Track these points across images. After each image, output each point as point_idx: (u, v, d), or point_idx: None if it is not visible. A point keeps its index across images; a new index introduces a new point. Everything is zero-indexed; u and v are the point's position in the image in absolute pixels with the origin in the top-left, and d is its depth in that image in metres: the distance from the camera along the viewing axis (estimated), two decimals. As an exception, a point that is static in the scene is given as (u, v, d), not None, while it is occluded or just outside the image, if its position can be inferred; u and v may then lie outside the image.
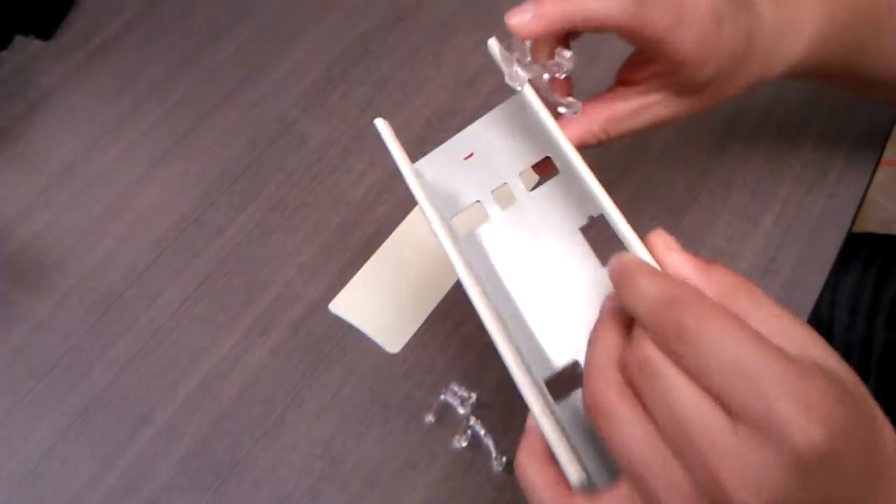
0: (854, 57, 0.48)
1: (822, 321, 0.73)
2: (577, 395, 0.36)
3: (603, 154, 0.59)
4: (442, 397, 0.51)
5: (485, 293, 0.34)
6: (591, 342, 0.32)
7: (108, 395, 0.52)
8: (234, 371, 0.53)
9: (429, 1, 0.68)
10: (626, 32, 0.38)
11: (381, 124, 0.40)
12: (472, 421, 0.49)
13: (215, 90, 0.63)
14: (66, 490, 0.50)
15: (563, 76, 0.39)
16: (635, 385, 0.30)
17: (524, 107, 0.40)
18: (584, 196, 0.36)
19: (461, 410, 0.50)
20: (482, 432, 0.49)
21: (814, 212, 0.58)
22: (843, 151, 0.59)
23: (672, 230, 0.57)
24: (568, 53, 0.39)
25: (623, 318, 0.32)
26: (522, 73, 0.39)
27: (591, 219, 0.38)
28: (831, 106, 0.60)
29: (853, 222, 0.59)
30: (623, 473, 0.30)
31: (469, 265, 0.35)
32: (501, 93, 0.63)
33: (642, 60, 0.42)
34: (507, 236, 0.39)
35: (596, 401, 0.30)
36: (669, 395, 0.28)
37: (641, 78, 0.42)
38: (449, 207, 0.40)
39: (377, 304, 0.55)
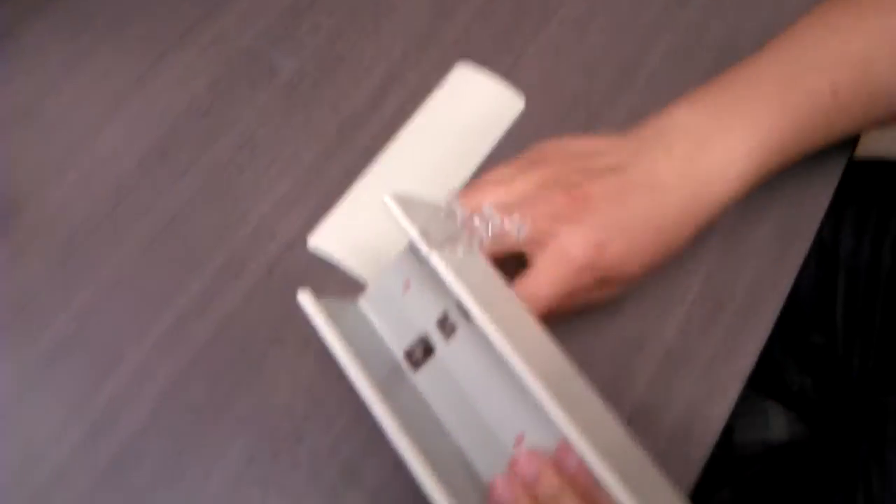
0: (805, 148, 0.47)
1: (825, 244, 0.71)
2: None
3: (591, 79, 0.57)
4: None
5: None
6: None
7: (75, 341, 0.49)
8: (208, 311, 0.50)
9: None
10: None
11: (306, 299, 0.41)
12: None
13: (176, 25, 0.60)
14: (34, 440, 0.47)
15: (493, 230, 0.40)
16: None
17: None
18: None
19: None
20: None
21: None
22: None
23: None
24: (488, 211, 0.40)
25: None
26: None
27: None
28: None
29: (858, 139, 0.56)
30: None
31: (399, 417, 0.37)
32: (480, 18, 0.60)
33: None
34: (455, 366, 0.41)
35: None
36: None
37: None
38: (398, 342, 0.43)
39: (358, 238, 0.52)
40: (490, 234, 0.39)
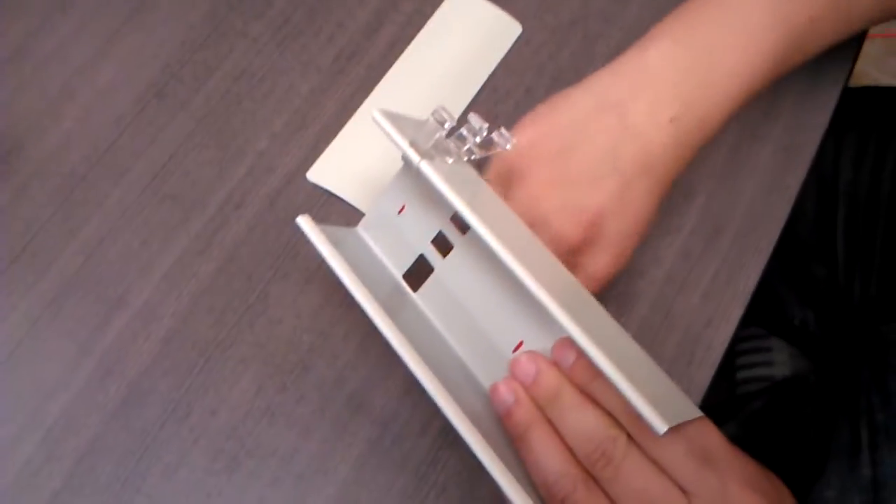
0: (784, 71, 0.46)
1: (824, 175, 0.70)
2: None
3: (587, 2, 0.56)
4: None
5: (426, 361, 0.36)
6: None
7: (80, 280, 0.49)
8: (210, 247, 0.50)
9: None
10: None
11: (304, 222, 0.41)
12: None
13: (168, -43, 0.59)
14: (42, 380, 0.47)
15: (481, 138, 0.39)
16: (597, 478, 0.35)
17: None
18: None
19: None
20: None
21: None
22: None
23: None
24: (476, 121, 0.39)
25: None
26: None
27: None
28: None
29: (856, 58, 0.55)
30: None
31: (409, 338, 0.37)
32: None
33: None
34: (453, 282, 0.42)
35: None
36: (634, 476, 0.34)
37: None
38: (397, 264, 0.43)
39: (357, 170, 0.52)
40: (478, 144, 0.39)
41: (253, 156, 0.52)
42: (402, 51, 0.55)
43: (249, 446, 0.46)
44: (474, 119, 0.38)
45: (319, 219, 0.50)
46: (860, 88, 0.77)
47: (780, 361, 0.73)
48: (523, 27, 0.55)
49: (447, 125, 0.38)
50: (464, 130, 0.39)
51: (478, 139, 0.39)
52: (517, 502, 0.34)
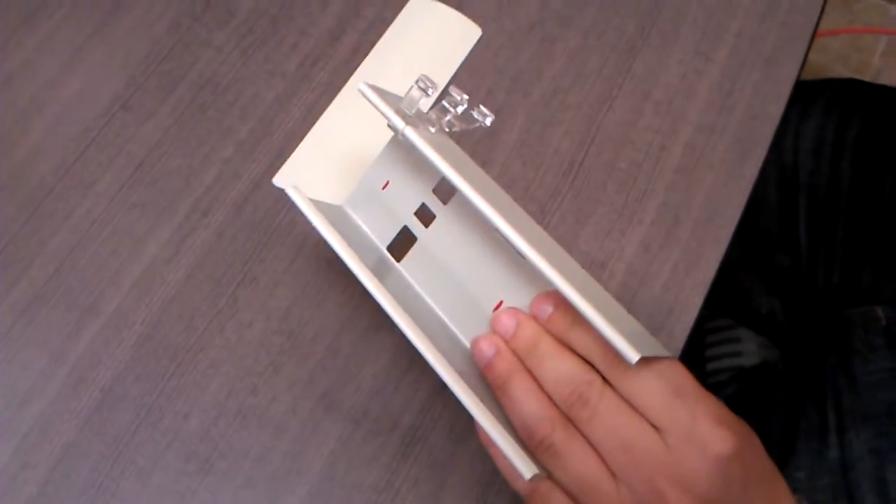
0: None
1: (785, 166, 0.72)
2: None
3: (545, 6, 0.57)
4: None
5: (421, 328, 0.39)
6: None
7: (51, 290, 0.50)
8: (179, 254, 0.51)
9: None
10: None
11: (292, 191, 0.43)
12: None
13: (132, -30, 0.59)
14: (16, 388, 0.48)
15: (462, 108, 0.40)
16: (574, 420, 0.36)
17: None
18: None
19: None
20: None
21: (768, 42, 0.56)
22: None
23: (624, 74, 0.55)
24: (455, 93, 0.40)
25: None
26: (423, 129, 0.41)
27: None
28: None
29: (808, 49, 0.57)
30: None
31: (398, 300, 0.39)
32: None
33: None
34: (435, 250, 0.43)
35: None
36: (609, 415, 0.35)
37: None
38: (381, 237, 0.45)
39: (323, 173, 0.53)
40: (458, 117, 0.41)
41: (219, 163, 0.53)
42: (365, 56, 0.56)
43: (222, 448, 0.47)
44: (454, 91, 0.40)
45: (285, 224, 0.52)
46: (819, 80, 0.78)
47: (748, 351, 0.74)
48: (483, 30, 0.56)
49: (431, 92, 0.39)
50: (445, 102, 0.40)
51: (459, 110, 0.40)
52: (499, 442, 0.36)
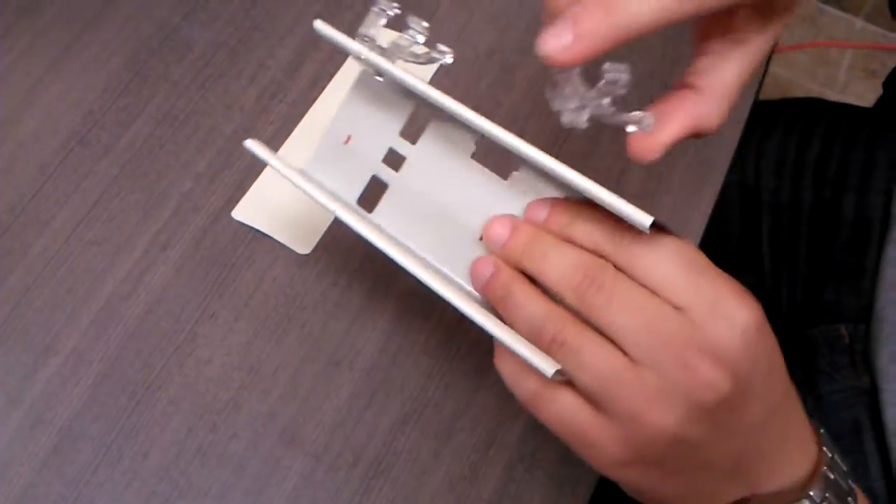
0: None
1: (747, 186, 0.73)
2: None
3: (504, 34, 0.57)
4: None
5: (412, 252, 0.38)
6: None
7: (7, 331, 0.49)
8: (137, 290, 0.50)
9: None
10: (692, 15, 0.32)
11: (254, 145, 0.43)
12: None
13: (89, 5, 0.59)
14: (-29, 432, 0.47)
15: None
16: (589, 308, 0.34)
17: (378, 76, 0.40)
18: (462, 126, 0.38)
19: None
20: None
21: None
22: None
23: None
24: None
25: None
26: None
27: (477, 142, 0.39)
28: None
29: (765, 73, 0.58)
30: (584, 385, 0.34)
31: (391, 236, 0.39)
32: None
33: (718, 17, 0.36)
34: (409, 191, 0.41)
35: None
36: (628, 297, 0.33)
37: (733, 26, 0.36)
38: (350, 192, 0.43)
39: (283, 206, 0.52)
40: (417, 54, 0.39)
41: (178, 197, 0.53)
42: (324, 87, 0.56)
43: (182, 487, 0.46)
44: (413, 21, 0.38)
45: (245, 256, 0.51)
46: (779, 100, 0.79)
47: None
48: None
49: (390, 12, 0.38)
50: (404, 34, 0.38)
51: (421, 39, 0.38)
52: (511, 343, 0.34)
